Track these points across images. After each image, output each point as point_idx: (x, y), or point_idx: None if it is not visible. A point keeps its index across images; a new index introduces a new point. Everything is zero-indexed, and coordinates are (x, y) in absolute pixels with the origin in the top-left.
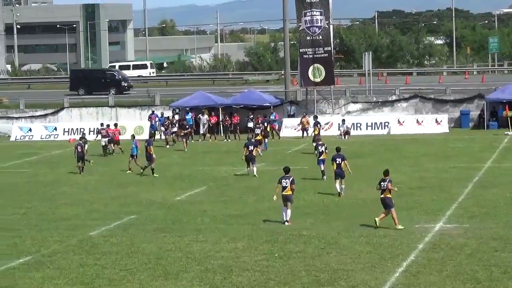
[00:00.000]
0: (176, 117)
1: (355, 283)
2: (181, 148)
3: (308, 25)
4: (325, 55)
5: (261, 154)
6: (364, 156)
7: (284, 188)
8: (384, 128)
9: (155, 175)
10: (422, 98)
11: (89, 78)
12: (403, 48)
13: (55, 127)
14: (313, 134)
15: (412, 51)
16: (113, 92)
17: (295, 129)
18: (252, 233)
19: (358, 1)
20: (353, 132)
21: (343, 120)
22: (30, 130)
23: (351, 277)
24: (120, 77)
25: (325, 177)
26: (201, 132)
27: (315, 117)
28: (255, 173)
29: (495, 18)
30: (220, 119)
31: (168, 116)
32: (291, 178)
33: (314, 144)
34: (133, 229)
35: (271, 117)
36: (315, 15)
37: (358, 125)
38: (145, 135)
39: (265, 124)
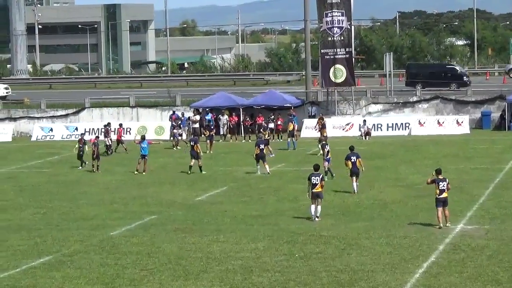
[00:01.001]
0: (197, 117)
1: (376, 284)
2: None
3: (329, 25)
4: (346, 55)
5: (272, 155)
6: (384, 157)
7: (314, 185)
8: (405, 129)
9: (203, 172)
10: (443, 99)
11: (426, 73)
12: (424, 49)
13: (76, 127)
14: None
15: (433, 52)
16: (454, 86)
17: (315, 129)
18: (272, 234)
19: (379, 1)
20: (373, 133)
21: (364, 121)
22: (51, 130)
23: (371, 278)
24: (461, 71)
25: (334, 174)
26: (221, 132)
27: (321, 118)
28: (268, 171)
29: None
30: (241, 120)
31: (189, 117)
32: (321, 175)
33: (320, 145)
34: (153, 229)
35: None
36: (336, 15)
37: (379, 125)
38: (166, 136)
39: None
